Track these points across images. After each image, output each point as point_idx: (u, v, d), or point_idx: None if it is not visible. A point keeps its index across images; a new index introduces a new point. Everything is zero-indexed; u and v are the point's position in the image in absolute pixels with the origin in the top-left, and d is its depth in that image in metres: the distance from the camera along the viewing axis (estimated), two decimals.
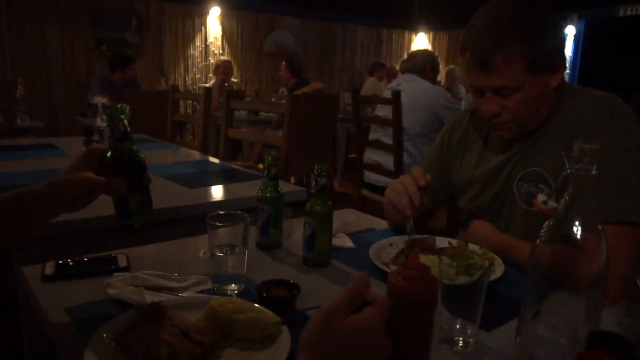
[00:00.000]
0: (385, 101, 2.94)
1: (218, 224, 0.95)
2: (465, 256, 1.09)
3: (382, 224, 1.46)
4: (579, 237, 0.64)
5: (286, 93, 5.39)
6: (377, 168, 3.04)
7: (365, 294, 0.61)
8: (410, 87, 2.99)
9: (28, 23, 5.50)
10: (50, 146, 2.61)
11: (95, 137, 2.34)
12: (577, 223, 0.64)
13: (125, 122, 0.87)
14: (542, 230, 0.68)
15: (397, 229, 1.34)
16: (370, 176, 3.11)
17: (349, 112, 5.59)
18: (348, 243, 1.27)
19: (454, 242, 1.23)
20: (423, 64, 3.06)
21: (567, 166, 0.64)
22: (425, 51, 3.25)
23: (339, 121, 5.23)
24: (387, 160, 3.01)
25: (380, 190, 3.05)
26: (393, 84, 3.15)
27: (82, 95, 5.25)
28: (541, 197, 0.67)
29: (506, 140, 1.27)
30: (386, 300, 0.62)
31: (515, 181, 1.22)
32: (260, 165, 4.93)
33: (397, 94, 2.79)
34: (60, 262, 1.03)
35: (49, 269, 1.00)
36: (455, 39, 9.09)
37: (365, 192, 3.14)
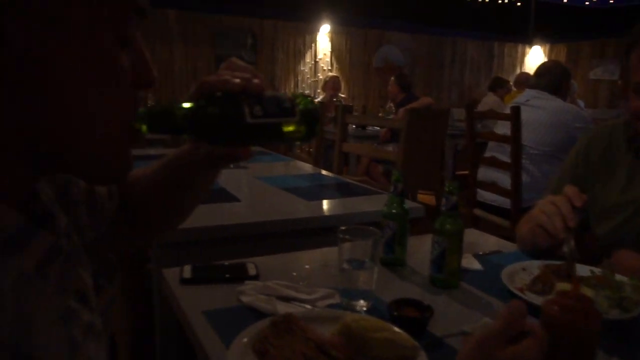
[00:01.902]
0: (504, 117, 2.80)
1: (349, 237, 0.94)
2: (614, 287, 0.99)
3: (508, 245, 1.38)
4: None
5: (394, 108, 5.36)
6: (492, 187, 2.90)
7: (522, 324, 0.57)
8: (543, 104, 2.81)
9: (158, 44, 6.01)
10: None
11: None
12: None
13: None
14: None
15: (535, 253, 1.24)
16: (485, 195, 2.97)
17: (457, 127, 5.42)
18: (475, 265, 1.20)
19: (597, 270, 1.12)
20: (558, 81, 2.87)
21: None
22: (559, 65, 3.03)
23: (447, 137, 5.08)
24: (503, 179, 2.86)
25: (494, 210, 2.90)
26: (521, 99, 2.97)
27: None
28: None
29: None
30: (544, 333, 0.57)
31: None
32: (366, 178, 4.93)
33: (516, 110, 2.65)
34: (196, 266, 1.08)
35: (187, 272, 1.05)
36: (575, 51, 8.51)
37: (478, 211, 3.00)
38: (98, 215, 0.72)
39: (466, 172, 3.20)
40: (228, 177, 2.17)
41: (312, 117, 0.63)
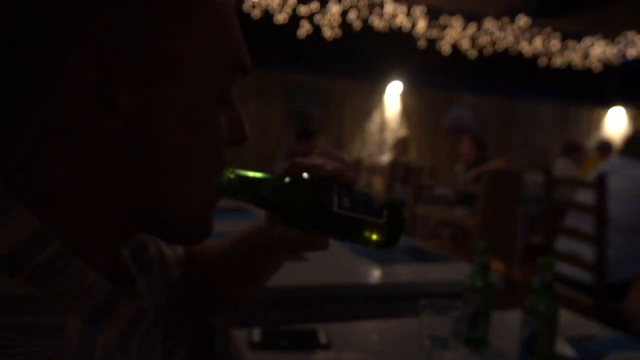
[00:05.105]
0: (588, 185, 2.64)
1: (431, 311, 0.87)
2: None
3: (600, 329, 1.24)
4: None
5: (463, 170, 5.22)
6: (572, 259, 2.69)
7: None
8: (633, 173, 2.65)
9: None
10: (240, 210, 2.78)
11: None
12: None
13: None
14: None
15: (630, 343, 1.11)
16: (565, 268, 2.76)
17: (530, 193, 5.17)
18: (568, 350, 1.08)
19: None
20: None
21: None
22: None
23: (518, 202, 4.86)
24: (584, 252, 2.66)
25: (575, 285, 2.68)
26: (607, 167, 2.81)
27: (270, 161, 5.72)
28: None
29: None
30: None
31: None
32: (433, 242, 4.76)
33: (602, 178, 2.49)
34: (265, 330, 1.03)
35: (256, 336, 1.00)
36: None
37: (557, 286, 2.79)
38: (166, 280, 0.68)
39: (538, 240, 3.00)
40: None
41: (397, 226, 0.59)
